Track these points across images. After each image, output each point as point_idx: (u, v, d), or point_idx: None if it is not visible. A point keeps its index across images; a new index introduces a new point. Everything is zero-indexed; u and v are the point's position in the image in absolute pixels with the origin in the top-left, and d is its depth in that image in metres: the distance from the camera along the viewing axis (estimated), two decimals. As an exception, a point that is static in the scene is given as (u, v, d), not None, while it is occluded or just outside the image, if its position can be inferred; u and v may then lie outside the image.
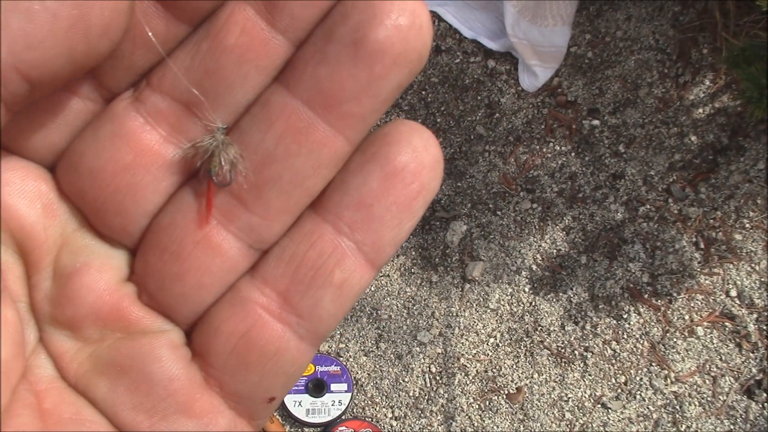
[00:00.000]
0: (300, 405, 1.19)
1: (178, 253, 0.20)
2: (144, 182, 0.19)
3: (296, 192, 0.19)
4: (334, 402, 1.19)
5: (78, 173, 0.19)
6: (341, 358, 1.23)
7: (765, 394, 1.21)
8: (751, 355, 1.23)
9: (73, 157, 0.19)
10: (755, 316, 1.25)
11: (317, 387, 1.20)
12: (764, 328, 1.24)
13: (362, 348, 1.24)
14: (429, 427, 1.21)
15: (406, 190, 0.19)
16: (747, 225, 1.29)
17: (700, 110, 1.36)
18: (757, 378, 1.22)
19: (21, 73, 0.16)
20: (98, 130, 0.19)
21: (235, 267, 0.20)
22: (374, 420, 1.21)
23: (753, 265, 1.27)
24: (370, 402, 1.22)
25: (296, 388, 1.20)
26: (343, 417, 1.19)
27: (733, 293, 1.26)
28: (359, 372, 1.23)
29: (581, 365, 1.24)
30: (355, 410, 1.21)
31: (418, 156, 0.19)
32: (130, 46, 0.18)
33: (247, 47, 0.18)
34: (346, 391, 1.20)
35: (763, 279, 1.26)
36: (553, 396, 1.22)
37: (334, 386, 1.20)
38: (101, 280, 0.20)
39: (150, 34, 0.18)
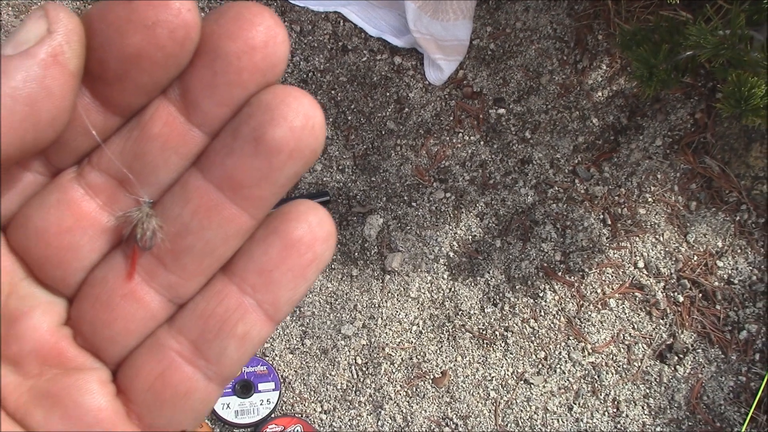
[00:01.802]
0: (228, 407, 1.19)
1: (108, 303, 0.23)
2: (82, 242, 0.23)
3: (208, 258, 0.23)
4: (263, 401, 1.20)
5: (26, 232, 0.23)
6: (267, 358, 1.24)
7: (676, 357, 1.26)
8: (661, 321, 1.29)
9: (23, 219, 0.23)
10: (662, 284, 1.31)
11: (244, 388, 1.20)
12: (671, 295, 1.30)
13: (287, 346, 1.25)
14: (358, 418, 1.22)
15: (301, 259, 0.23)
16: (649, 199, 1.35)
17: (600, 93, 1.42)
18: (668, 343, 1.28)
19: None
20: (45, 197, 0.23)
21: (155, 317, 0.24)
22: (304, 415, 1.22)
23: (657, 236, 1.33)
24: (298, 398, 1.23)
25: (224, 390, 1.20)
26: (272, 415, 1.20)
27: (641, 264, 1.32)
28: (286, 370, 1.24)
29: (502, 345, 1.27)
30: (284, 408, 1.22)
31: (312, 231, 0.22)
32: (74, 133, 0.22)
33: (169, 136, 0.22)
34: (273, 390, 1.21)
35: (667, 249, 1.32)
36: (477, 377, 1.26)
37: (261, 386, 1.21)
38: (44, 322, 0.23)
39: (91, 128, 0.22)
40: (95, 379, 0.23)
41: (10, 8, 1.42)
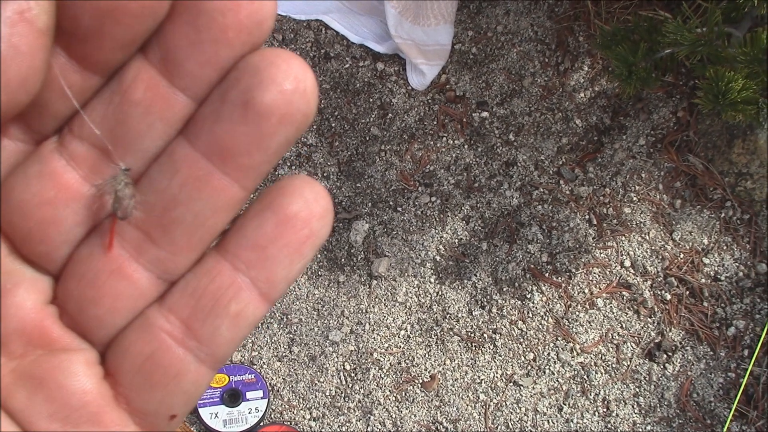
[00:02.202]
0: (217, 416, 1.19)
1: (94, 280, 0.22)
2: (64, 215, 0.22)
3: (198, 231, 0.22)
4: (251, 410, 1.19)
5: (8, 205, 0.22)
6: (255, 366, 1.24)
7: (665, 355, 1.26)
8: (648, 320, 1.29)
9: (6, 192, 0.22)
10: (649, 282, 1.31)
11: (232, 397, 1.20)
12: (659, 293, 1.30)
13: (275, 354, 1.25)
14: (348, 424, 1.22)
15: (296, 235, 0.22)
16: (634, 198, 1.36)
17: (582, 94, 1.42)
18: (656, 341, 1.27)
19: None
20: (27, 169, 0.22)
21: (144, 294, 0.23)
22: (293, 423, 1.21)
23: (643, 235, 1.33)
24: (287, 406, 1.22)
25: (212, 399, 1.20)
26: (261, 423, 1.20)
27: (627, 263, 1.32)
28: (274, 377, 1.24)
29: (491, 347, 1.27)
30: (272, 416, 1.22)
31: (308, 206, 0.22)
32: (53, 96, 0.21)
33: (152, 101, 0.21)
34: (262, 398, 1.20)
35: (653, 247, 1.32)
36: (466, 380, 1.25)
37: (249, 394, 1.20)
38: (29, 299, 0.22)
39: (66, 89, 0.21)
40: (81, 361, 0.22)
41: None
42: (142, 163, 0.22)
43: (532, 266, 1.31)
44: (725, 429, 1.14)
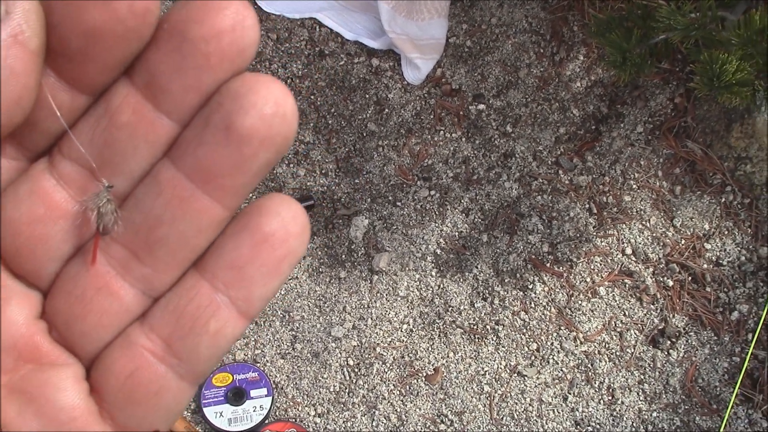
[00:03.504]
0: (221, 415, 1.19)
1: (82, 296, 0.23)
2: (53, 233, 0.23)
3: (182, 250, 0.23)
4: (256, 408, 1.20)
5: (14, 239, 0.23)
6: (258, 364, 1.24)
7: (669, 342, 1.26)
8: (651, 306, 1.28)
9: None
10: (651, 269, 1.30)
11: (237, 395, 1.20)
12: (661, 280, 1.30)
13: (278, 351, 1.25)
14: (352, 420, 1.22)
15: (273, 255, 0.22)
16: (634, 186, 1.35)
17: (578, 84, 1.42)
18: (660, 327, 1.27)
19: None
20: (18, 187, 0.23)
21: (130, 310, 0.23)
22: (298, 420, 1.21)
23: (644, 222, 1.33)
24: (291, 403, 1.23)
25: (216, 398, 1.20)
26: (266, 421, 1.20)
27: (629, 251, 1.31)
28: (278, 375, 1.24)
29: (494, 338, 1.27)
30: (277, 413, 1.22)
31: (285, 225, 0.22)
32: (43, 114, 0.22)
33: (137, 125, 0.22)
34: (266, 396, 1.21)
35: (654, 234, 1.32)
36: (470, 372, 1.25)
37: (253, 392, 1.20)
38: (21, 314, 0.23)
39: (56, 108, 0.22)
40: (70, 376, 0.23)
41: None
42: (128, 184, 0.23)
43: (533, 257, 1.31)
44: (728, 412, 1.14)
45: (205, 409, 1.19)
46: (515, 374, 1.25)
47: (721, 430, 1.12)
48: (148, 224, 0.23)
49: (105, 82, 0.22)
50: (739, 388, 1.20)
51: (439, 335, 1.27)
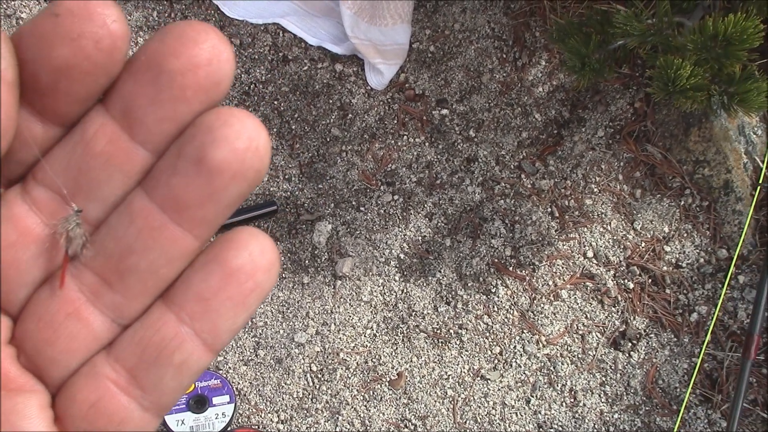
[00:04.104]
0: (183, 423, 1.18)
1: (51, 322, 0.23)
2: (24, 258, 0.23)
3: (152, 279, 0.23)
4: (218, 415, 1.19)
5: None
6: (221, 371, 1.23)
7: (630, 344, 1.27)
8: (613, 309, 1.30)
9: None
10: (612, 272, 1.32)
11: (199, 403, 1.19)
12: (622, 282, 1.31)
13: (241, 358, 1.25)
14: (316, 426, 1.22)
15: (240, 288, 0.22)
16: (595, 189, 1.37)
17: (540, 89, 1.43)
18: (621, 330, 1.28)
19: None
20: None
21: (98, 337, 0.23)
22: (261, 426, 1.21)
23: (605, 225, 1.35)
24: (254, 410, 1.22)
25: (178, 406, 1.19)
26: (228, 428, 1.19)
27: (590, 254, 1.33)
28: (240, 382, 1.23)
29: (457, 342, 1.27)
30: (240, 420, 1.21)
31: (253, 259, 0.22)
32: (17, 144, 0.22)
33: (112, 154, 0.22)
34: (228, 403, 1.20)
35: (615, 237, 1.34)
36: (433, 376, 1.25)
37: (215, 399, 1.20)
38: None
39: (30, 139, 0.22)
40: (35, 404, 0.23)
41: None
42: (101, 211, 0.23)
43: (496, 260, 1.32)
44: (681, 412, 1.15)
45: (166, 418, 1.18)
46: (478, 378, 1.26)
47: (675, 430, 1.13)
48: (119, 252, 0.23)
49: (77, 113, 0.22)
50: (697, 388, 1.22)
51: (403, 340, 1.27)
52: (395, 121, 1.40)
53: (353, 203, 1.35)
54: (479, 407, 1.24)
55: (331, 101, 1.40)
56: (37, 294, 0.23)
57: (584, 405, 1.24)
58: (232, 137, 0.21)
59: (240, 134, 0.21)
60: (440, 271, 1.31)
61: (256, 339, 1.26)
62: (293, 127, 1.39)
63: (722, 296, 1.18)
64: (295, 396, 1.23)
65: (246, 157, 0.21)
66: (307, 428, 1.21)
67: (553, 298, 1.30)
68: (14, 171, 0.23)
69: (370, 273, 1.30)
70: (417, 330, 1.28)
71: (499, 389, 1.25)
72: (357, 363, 1.25)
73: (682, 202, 1.34)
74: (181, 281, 0.23)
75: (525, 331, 1.28)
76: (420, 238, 1.33)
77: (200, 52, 0.21)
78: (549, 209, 1.36)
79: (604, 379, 1.26)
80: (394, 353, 1.26)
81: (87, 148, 0.22)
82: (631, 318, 1.29)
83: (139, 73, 0.21)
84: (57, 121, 0.22)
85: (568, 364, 1.27)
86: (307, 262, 1.31)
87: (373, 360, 1.26)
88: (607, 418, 1.24)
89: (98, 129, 0.22)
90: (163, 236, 0.22)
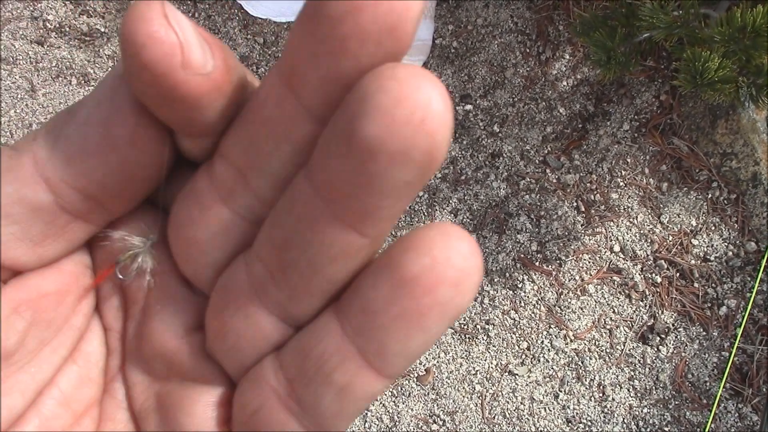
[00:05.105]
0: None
1: (223, 312, 0.21)
2: (205, 237, 0.21)
3: (315, 278, 0.19)
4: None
5: (176, 241, 0.22)
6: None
7: (658, 338, 1.27)
8: (640, 303, 1.29)
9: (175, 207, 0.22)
10: (639, 266, 1.31)
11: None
12: (649, 276, 1.30)
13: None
14: (345, 421, 1.22)
15: (415, 304, 0.18)
16: (621, 183, 1.36)
17: (564, 83, 1.43)
18: (649, 324, 1.28)
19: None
20: (186, 185, 0.22)
21: (266, 336, 0.21)
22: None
23: (631, 219, 1.34)
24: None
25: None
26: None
27: (617, 248, 1.32)
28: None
29: (485, 338, 1.28)
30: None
31: (435, 267, 0.17)
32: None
33: (278, 120, 0.19)
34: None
35: (641, 231, 1.33)
36: (461, 371, 1.26)
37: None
38: (177, 322, 0.22)
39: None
40: (204, 402, 0.22)
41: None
42: (271, 189, 0.20)
43: (522, 256, 1.32)
44: (714, 405, 1.15)
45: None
46: (506, 373, 1.26)
47: (709, 424, 1.13)
48: (281, 243, 0.19)
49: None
50: (728, 382, 1.21)
51: (430, 336, 1.28)
52: (419, 118, 1.40)
53: (378, 200, 1.35)
54: (507, 402, 1.24)
55: (355, 98, 1.41)
56: (219, 281, 0.21)
57: (613, 399, 1.24)
58: (390, 105, 0.16)
59: (401, 101, 0.16)
60: (466, 267, 1.31)
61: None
62: (318, 124, 1.40)
63: (755, 290, 1.18)
64: (323, 392, 1.24)
65: (407, 132, 0.16)
66: (336, 424, 1.22)
67: (580, 293, 1.30)
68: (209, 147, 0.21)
69: (397, 269, 1.31)
70: (444, 326, 1.28)
71: (527, 384, 1.25)
72: (385, 359, 1.26)
73: (710, 195, 1.33)
74: (352, 287, 0.19)
75: (552, 326, 1.28)
76: (446, 234, 1.34)
77: None
78: (575, 204, 1.35)
79: (632, 373, 1.25)
80: (421, 349, 1.27)
81: (257, 113, 0.19)
82: (660, 312, 1.28)
83: (300, 21, 0.17)
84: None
85: (596, 359, 1.26)
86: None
87: (401, 356, 1.26)
88: (636, 413, 1.23)
89: (269, 89, 0.19)
90: (321, 230, 0.18)
